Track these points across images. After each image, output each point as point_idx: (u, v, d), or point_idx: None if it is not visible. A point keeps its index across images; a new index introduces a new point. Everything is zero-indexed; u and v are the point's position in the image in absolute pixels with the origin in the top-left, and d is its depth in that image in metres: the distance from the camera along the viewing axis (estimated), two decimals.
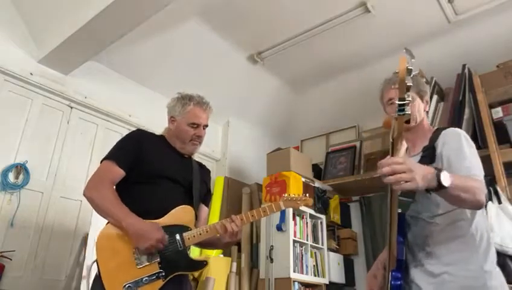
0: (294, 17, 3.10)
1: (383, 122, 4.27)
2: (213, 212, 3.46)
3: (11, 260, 2.31)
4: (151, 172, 1.68)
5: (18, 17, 2.71)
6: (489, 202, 2.30)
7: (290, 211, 3.15)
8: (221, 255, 3.22)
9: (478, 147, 2.69)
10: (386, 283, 1.46)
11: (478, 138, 2.75)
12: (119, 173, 1.65)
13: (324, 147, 4.25)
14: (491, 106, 2.77)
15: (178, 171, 1.76)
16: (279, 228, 3.10)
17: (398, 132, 1.09)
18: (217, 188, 3.63)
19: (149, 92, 3.41)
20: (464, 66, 3.04)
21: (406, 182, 1.08)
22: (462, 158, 1.36)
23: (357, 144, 3.93)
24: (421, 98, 1.58)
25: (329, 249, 3.50)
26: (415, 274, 1.40)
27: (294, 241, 3.11)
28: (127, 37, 2.59)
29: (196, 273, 3.03)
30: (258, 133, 4.31)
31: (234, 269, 3.14)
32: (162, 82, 3.35)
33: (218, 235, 1.65)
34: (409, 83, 1.04)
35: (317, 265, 3.30)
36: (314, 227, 3.44)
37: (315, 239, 3.39)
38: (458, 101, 3.03)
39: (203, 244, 1.81)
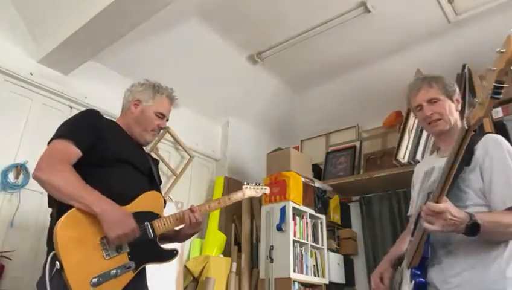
0: (294, 17, 3.10)
1: (383, 122, 4.29)
2: (213, 213, 3.46)
3: (11, 260, 2.31)
4: (113, 155, 1.56)
5: (18, 17, 2.71)
6: None
7: (290, 211, 3.15)
8: (221, 255, 3.22)
9: None
10: (398, 282, 1.42)
11: None
12: (75, 153, 1.48)
13: (324, 147, 4.25)
14: None
15: (138, 157, 1.68)
16: (279, 228, 3.10)
17: (481, 117, 1.03)
18: (217, 188, 3.62)
19: None
20: (463, 66, 3.04)
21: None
22: (506, 178, 1.30)
23: (357, 144, 3.93)
24: (451, 98, 1.49)
25: (329, 249, 3.50)
26: (432, 273, 1.35)
27: (294, 241, 3.12)
28: (127, 37, 2.59)
29: (196, 273, 3.03)
30: (258, 133, 4.31)
31: (234, 269, 3.14)
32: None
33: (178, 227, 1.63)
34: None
35: (317, 265, 3.30)
36: (314, 227, 3.44)
37: (315, 239, 3.39)
38: None
39: (162, 238, 1.62)
